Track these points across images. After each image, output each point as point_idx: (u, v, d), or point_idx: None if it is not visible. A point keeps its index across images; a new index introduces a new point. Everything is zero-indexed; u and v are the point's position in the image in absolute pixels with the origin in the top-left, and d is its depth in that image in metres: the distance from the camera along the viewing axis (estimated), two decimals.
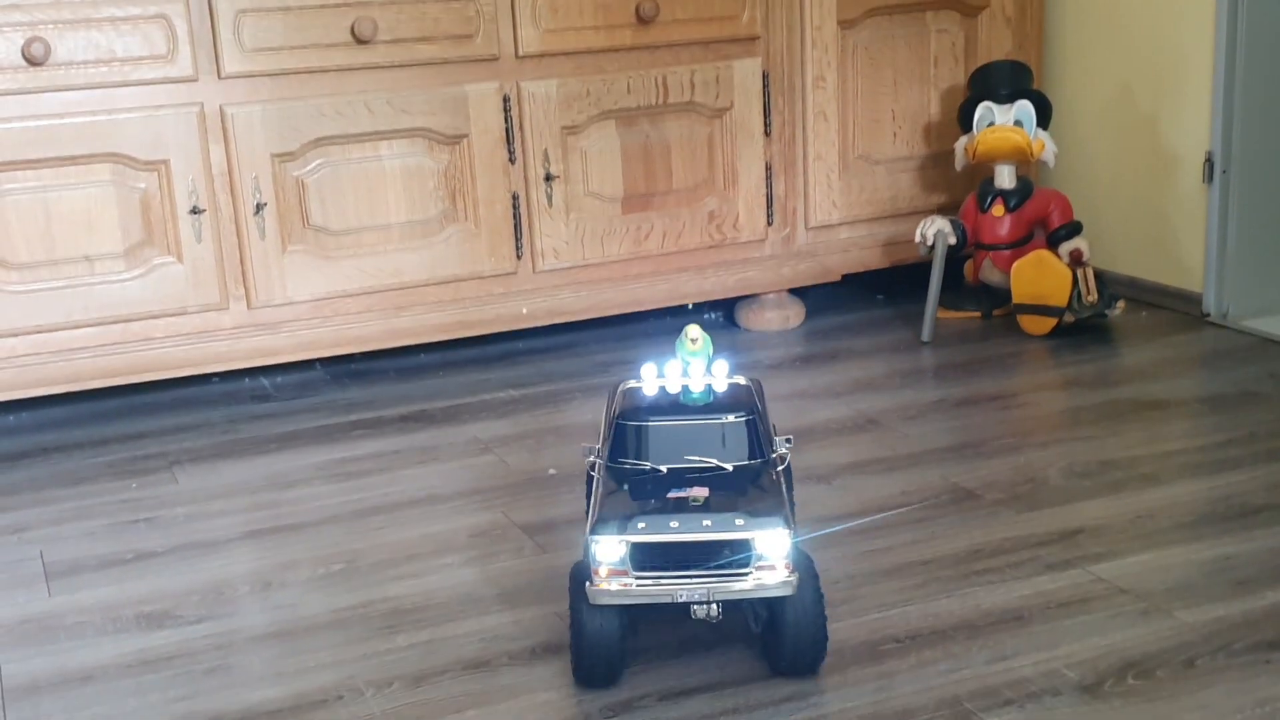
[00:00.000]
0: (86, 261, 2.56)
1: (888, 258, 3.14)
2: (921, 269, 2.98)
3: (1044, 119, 2.99)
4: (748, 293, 3.06)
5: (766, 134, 2.98)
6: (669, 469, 1.62)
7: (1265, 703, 1.56)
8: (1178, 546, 1.94)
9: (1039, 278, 2.87)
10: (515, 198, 2.82)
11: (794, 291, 3.10)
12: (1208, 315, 2.94)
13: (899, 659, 1.68)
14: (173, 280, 2.62)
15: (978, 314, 3.06)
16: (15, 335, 2.54)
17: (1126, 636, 1.72)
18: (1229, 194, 2.88)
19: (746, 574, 1.54)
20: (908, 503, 2.12)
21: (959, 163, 3.06)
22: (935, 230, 2.96)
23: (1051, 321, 2.87)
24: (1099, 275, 2.88)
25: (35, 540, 2.14)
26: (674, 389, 1.68)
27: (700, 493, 1.57)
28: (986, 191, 3.00)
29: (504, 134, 2.78)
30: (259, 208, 2.64)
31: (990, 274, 3.03)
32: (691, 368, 1.68)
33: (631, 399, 1.69)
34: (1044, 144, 2.98)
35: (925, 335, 2.92)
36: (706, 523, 1.54)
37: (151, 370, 2.63)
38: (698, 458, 1.62)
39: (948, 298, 3.02)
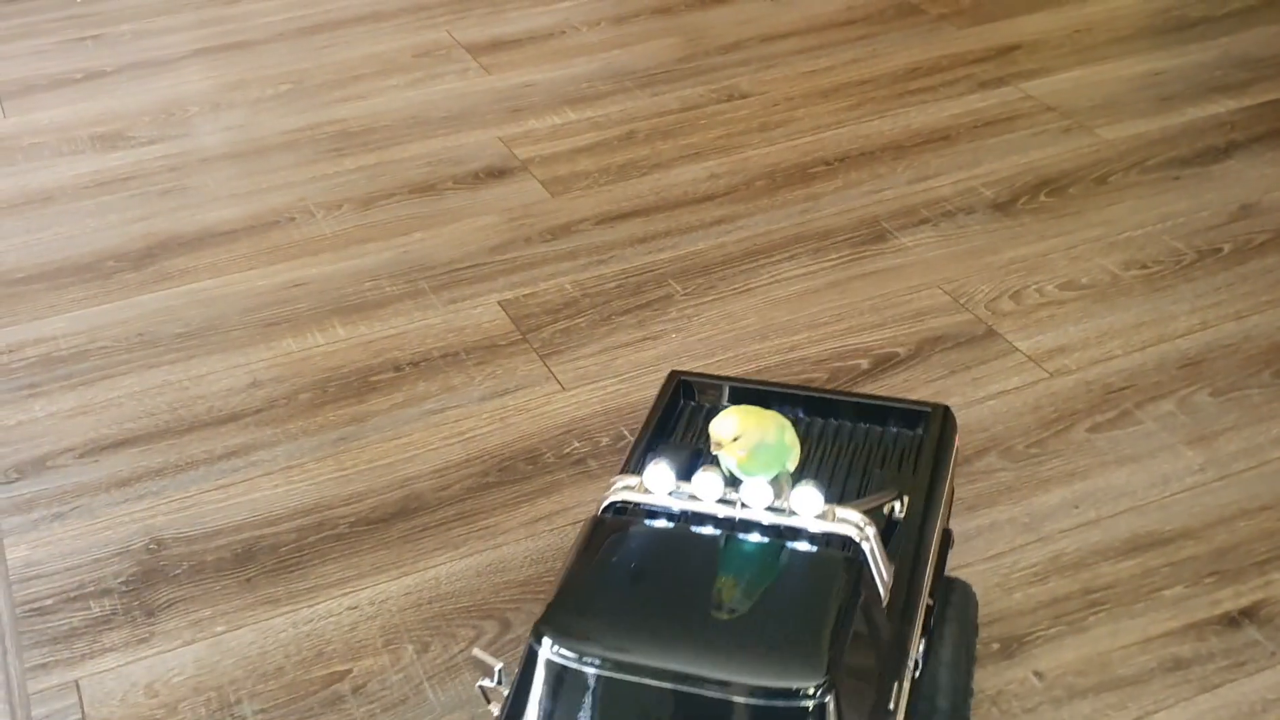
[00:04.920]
0: None
1: None
2: None
3: None
4: None
5: None
6: None
7: (1167, 217, 1.66)
8: (1110, 62, 1.97)
9: None
10: None
11: None
12: None
13: (826, 181, 1.76)
14: None
15: None
16: None
17: (1046, 154, 1.78)
18: None
19: None
20: (853, 19, 2.12)
21: None
22: None
23: None
24: None
25: None
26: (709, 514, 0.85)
27: None
28: None
29: None
30: None
31: None
32: (746, 489, 0.84)
33: (624, 562, 0.82)
34: None
35: None
36: None
37: None
38: None
39: None
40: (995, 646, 1.10)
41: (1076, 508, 1.23)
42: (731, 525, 0.84)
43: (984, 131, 1.84)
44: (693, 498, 0.85)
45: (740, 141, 1.85)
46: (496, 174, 1.80)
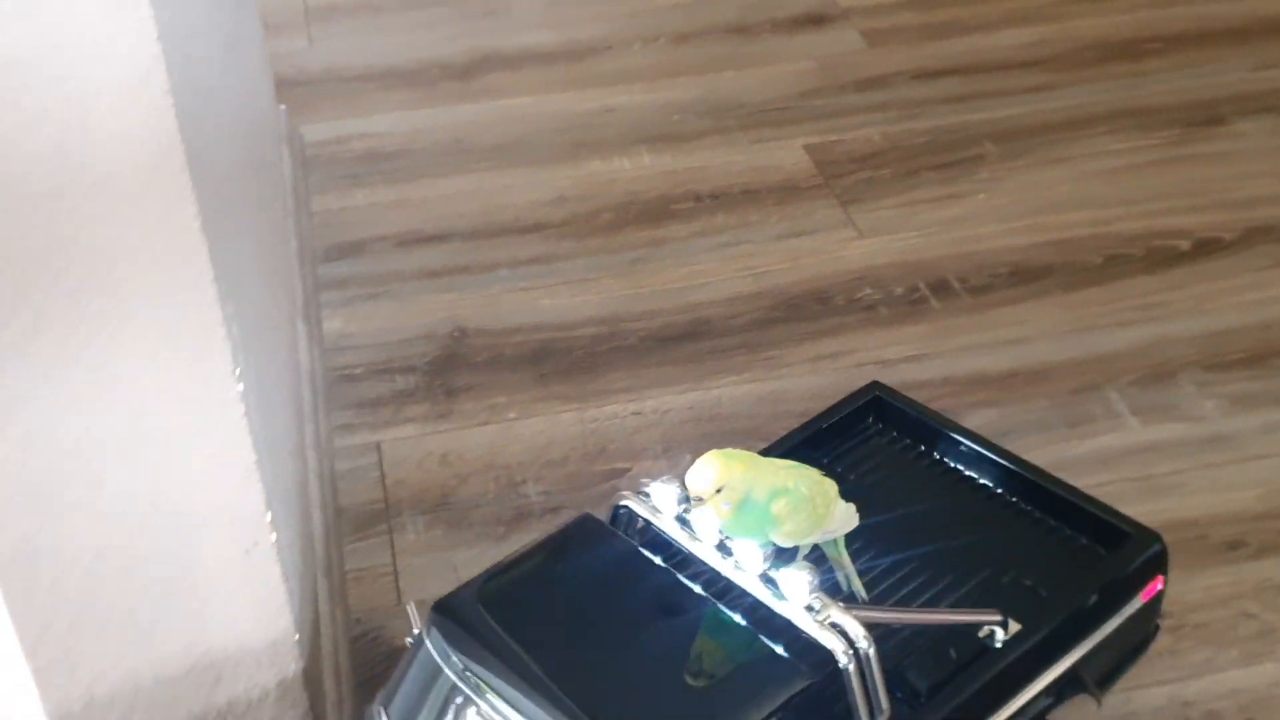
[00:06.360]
0: None
1: None
2: None
3: None
4: None
5: None
6: None
7: None
8: None
9: None
10: None
11: None
12: None
13: (1158, 58, 1.67)
14: None
15: None
16: None
17: None
18: None
19: None
20: None
21: None
22: None
23: None
24: None
25: None
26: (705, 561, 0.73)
27: None
28: None
29: None
30: None
31: None
32: (739, 548, 0.70)
33: (574, 574, 0.74)
34: None
35: None
36: None
37: None
38: None
39: None
40: None
41: None
42: (713, 580, 0.71)
43: None
44: (692, 534, 0.72)
45: (1070, 10, 1.77)
46: (815, 21, 1.78)
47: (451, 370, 1.27)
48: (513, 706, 0.64)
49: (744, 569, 0.69)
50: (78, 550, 0.66)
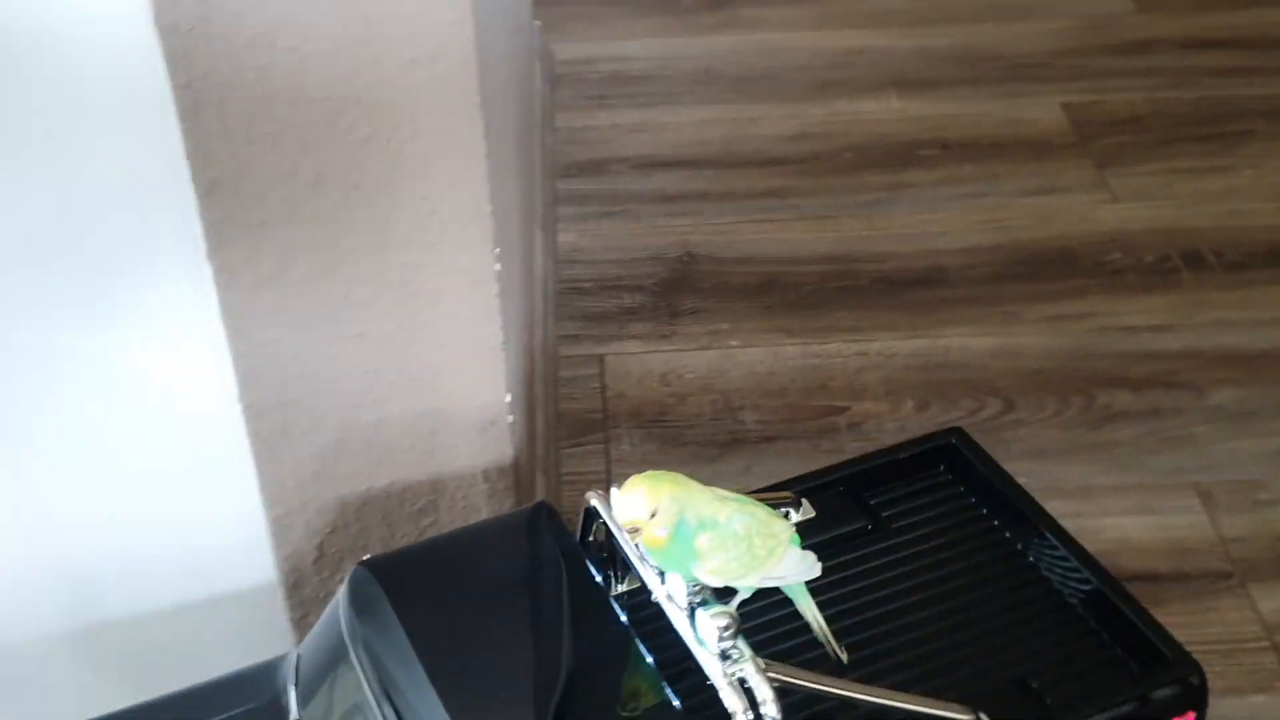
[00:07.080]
0: None
1: None
2: None
3: None
4: None
5: None
6: None
7: None
8: None
9: None
10: None
11: None
12: None
13: None
14: None
15: None
16: None
17: None
18: None
19: None
20: None
21: None
22: None
23: None
24: None
25: None
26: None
27: None
28: None
29: None
30: None
31: None
32: (670, 580, 0.63)
33: (514, 567, 0.69)
34: None
35: None
36: None
37: None
38: None
39: None
40: None
41: None
42: (641, 604, 0.66)
43: None
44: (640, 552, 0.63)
45: None
46: None
47: (678, 293, 1.27)
48: (380, 680, 0.61)
49: (674, 600, 0.62)
50: (329, 406, 0.68)
